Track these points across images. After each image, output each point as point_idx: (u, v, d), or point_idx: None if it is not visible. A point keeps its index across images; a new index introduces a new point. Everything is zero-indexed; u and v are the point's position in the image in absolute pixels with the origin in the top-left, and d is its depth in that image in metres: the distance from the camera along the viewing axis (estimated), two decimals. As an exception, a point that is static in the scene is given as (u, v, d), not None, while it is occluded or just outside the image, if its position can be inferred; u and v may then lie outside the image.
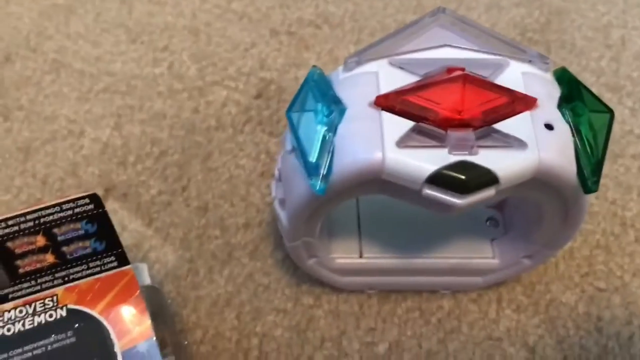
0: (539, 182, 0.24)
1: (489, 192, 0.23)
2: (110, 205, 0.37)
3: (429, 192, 0.23)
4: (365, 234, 0.33)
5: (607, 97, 0.42)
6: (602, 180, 0.36)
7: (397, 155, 0.23)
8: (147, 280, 0.30)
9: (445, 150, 0.23)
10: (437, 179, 0.23)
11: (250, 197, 0.37)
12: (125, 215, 0.36)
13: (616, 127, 0.40)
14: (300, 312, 0.33)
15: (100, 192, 0.37)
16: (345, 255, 0.32)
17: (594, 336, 0.33)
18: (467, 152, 0.23)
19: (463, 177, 0.23)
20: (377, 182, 0.24)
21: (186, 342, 0.31)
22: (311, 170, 0.24)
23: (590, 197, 0.36)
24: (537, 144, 0.23)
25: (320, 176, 0.24)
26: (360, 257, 0.32)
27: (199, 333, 0.33)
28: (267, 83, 0.40)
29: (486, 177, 0.23)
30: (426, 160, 0.23)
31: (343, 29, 0.43)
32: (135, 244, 0.35)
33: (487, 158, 0.23)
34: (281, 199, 0.28)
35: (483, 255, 0.32)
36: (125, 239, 0.35)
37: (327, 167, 0.24)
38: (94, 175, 0.37)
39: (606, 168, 0.38)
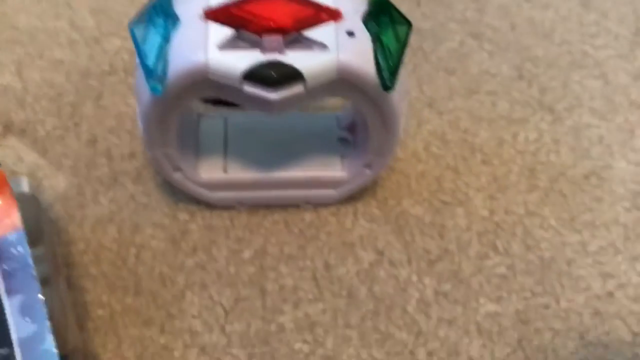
0: (343, 82, 0.28)
1: (298, 89, 0.28)
2: (9, 141, 0.40)
3: (248, 88, 0.28)
4: (230, 152, 0.37)
5: (469, 43, 0.46)
6: (456, 113, 0.41)
7: (218, 56, 0.27)
8: (25, 189, 0.34)
9: (259, 52, 0.27)
10: (252, 76, 0.27)
11: (136, 131, 0.41)
12: (23, 149, 0.40)
13: (474, 68, 0.45)
14: (176, 226, 0.37)
15: (-1, 129, 0.41)
16: (211, 171, 0.36)
17: (436, 240, 0.38)
18: (278, 53, 0.27)
19: (272, 72, 0.27)
20: (207, 82, 0.28)
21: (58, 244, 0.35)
22: (148, 73, 0.28)
23: (443, 127, 0.41)
24: (337, 47, 0.28)
25: (156, 78, 0.28)
26: (225, 172, 0.36)
27: (82, 245, 0.36)
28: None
29: (292, 73, 0.27)
30: (242, 60, 0.27)
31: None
32: (31, 173, 0.39)
33: (294, 58, 0.27)
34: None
35: (333, 169, 0.36)
36: (21, 168, 0.39)
37: (163, 71, 0.28)
38: (-6, 114, 0.41)
39: (461, 102, 0.43)
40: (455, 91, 0.44)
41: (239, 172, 0.36)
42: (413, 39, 0.44)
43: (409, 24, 0.29)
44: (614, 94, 0.44)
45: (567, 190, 0.40)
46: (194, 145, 0.36)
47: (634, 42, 0.47)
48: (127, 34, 0.43)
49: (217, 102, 0.37)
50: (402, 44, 0.29)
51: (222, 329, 0.34)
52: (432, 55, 0.46)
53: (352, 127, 0.38)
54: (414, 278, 0.36)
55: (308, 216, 0.38)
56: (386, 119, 0.31)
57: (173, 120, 0.31)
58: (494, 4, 0.49)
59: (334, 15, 0.28)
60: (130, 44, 0.43)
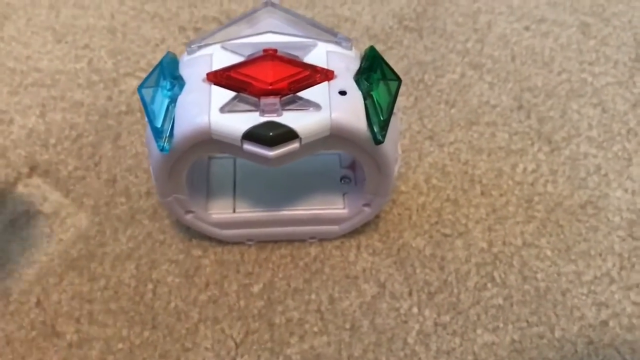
0: (337, 137, 0.30)
1: (293, 145, 0.30)
2: (35, 181, 0.43)
3: (247, 147, 0.30)
4: (238, 192, 0.39)
5: (470, 74, 0.48)
6: (456, 144, 0.43)
7: (219, 119, 0.30)
8: None
9: (257, 114, 0.30)
10: (251, 136, 0.29)
11: (153, 169, 0.43)
12: (47, 189, 0.43)
13: (474, 99, 0.47)
14: (190, 261, 0.40)
15: (25, 171, 0.43)
16: (221, 211, 0.38)
17: (436, 272, 0.40)
18: (275, 115, 0.30)
19: (270, 133, 0.29)
20: (210, 141, 0.31)
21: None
22: (157, 134, 0.30)
23: (444, 159, 0.43)
24: (330, 106, 0.30)
25: (164, 138, 0.30)
26: (234, 211, 0.39)
27: (103, 281, 0.39)
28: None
29: (288, 133, 0.29)
30: (242, 122, 0.29)
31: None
32: (55, 212, 0.42)
33: (290, 119, 0.29)
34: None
35: (336, 207, 0.39)
36: (47, 208, 0.42)
37: (170, 131, 0.30)
38: (20, 156, 0.44)
39: (461, 134, 0.45)
40: (456, 123, 0.46)
41: (247, 211, 0.38)
42: (415, 72, 0.46)
43: (399, 79, 0.31)
44: (612, 122, 0.46)
45: (563, 220, 0.41)
46: (204, 186, 0.39)
47: (633, 68, 0.48)
48: (143, 75, 0.46)
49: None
50: (393, 98, 0.31)
51: (233, 362, 0.37)
52: (433, 87, 0.47)
53: (353, 166, 0.40)
54: (415, 310, 0.38)
55: (313, 250, 0.40)
56: (380, 166, 0.33)
57: (181, 172, 0.33)
58: (495, 33, 0.50)
59: (327, 75, 0.30)
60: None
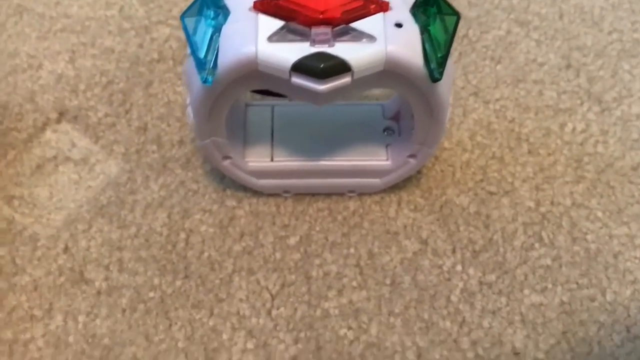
0: (391, 73, 0.29)
1: (345, 80, 0.28)
2: (63, 127, 0.42)
3: (296, 79, 0.28)
4: (277, 141, 0.37)
5: (516, 31, 0.46)
6: (502, 102, 0.41)
7: (267, 49, 0.28)
8: None
9: (307, 44, 0.28)
10: (300, 67, 0.28)
11: (185, 118, 0.41)
12: (76, 135, 0.41)
13: (521, 57, 0.45)
14: (224, 212, 0.38)
15: (54, 116, 0.42)
16: (258, 159, 0.37)
17: (481, 231, 0.38)
18: (326, 46, 0.28)
19: (320, 65, 0.27)
20: (256, 74, 0.29)
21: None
22: (200, 65, 0.29)
23: (489, 116, 0.41)
24: (385, 39, 0.28)
25: (207, 70, 0.29)
26: (272, 160, 0.37)
27: (134, 229, 0.38)
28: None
29: (340, 65, 0.27)
30: (291, 52, 0.28)
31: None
32: (83, 158, 0.40)
33: (342, 50, 0.28)
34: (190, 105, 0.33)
35: (378, 158, 0.37)
36: (75, 154, 0.40)
37: (213, 62, 0.29)
38: (49, 101, 0.42)
39: (507, 91, 0.43)
40: (502, 80, 0.44)
41: (285, 160, 0.37)
42: (459, 27, 0.44)
43: (457, 14, 0.29)
44: (666, 84, 0.43)
45: (614, 181, 0.39)
46: (241, 134, 0.37)
47: (688, 29, 0.46)
48: (176, 23, 0.44)
49: (265, 92, 0.38)
50: (450, 35, 0.29)
51: (269, 313, 0.35)
52: (477, 43, 0.45)
53: (397, 117, 0.38)
54: (459, 268, 0.36)
55: (352, 204, 0.39)
56: (433, 109, 0.31)
57: (222, 110, 0.32)
58: (543, -10, 0.48)
59: (382, 6, 0.29)
60: (178, 33, 0.44)
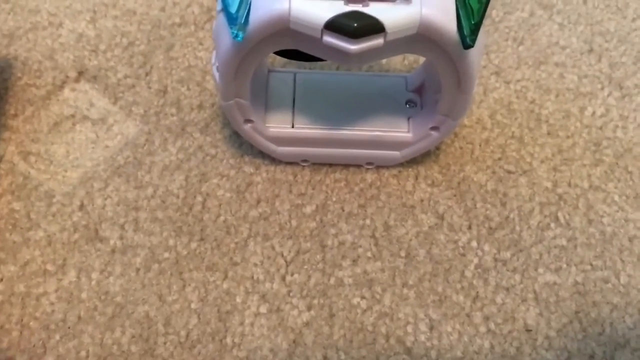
0: (423, 37, 0.28)
1: (377, 41, 0.28)
2: (82, 87, 0.41)
3: (328, 38, 0.28)
4: (298, 108, 0.37)
5: (539, 14, 0.46)
6: (523, 82, 0.41)
7: (300, 5, 0.27)
8: None
9: (342, 3, 0.28)
10: (333, 26, 0.27)
11: (205, 83, 0.41)
12: (94, 95, 0.41)
13: (543, 39, 0.45)
14: (241, 177, 0.38)
15: (73, 75, 0.42)
16: (279, 125, 0.37)
17: (498, 208, 0.38)
18: (360, 5, 0.28)
19: (354, 24, 0.27)
20: (287, 32, 0.28)
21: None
22: (231, 20, 0.28)
23: (510, 96, 0.41)
24: (420, 1, 0.28)
25: (238, 25, 0.28)
26: (292, 127, 0.37)
27: (150, 190, 0.37)
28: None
29: (374, 25, 0.27)
30: (324, 10, 0.27)
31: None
32: (101, 118, 0.40)
33: (376, 10, 0.27)
34: (217, 64, 0.32)
35: (399, 130, 0.37)
36: (93, 114, 0.40)
37: (245, 18, 0.28)
38: (68, 60, 0.42)
39: (528, 72, 0.43)
40: (523, 61, 0.44)
41: (305, 128, 0.36)
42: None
43: (491, -17, 0.29)
44: (688, 73, 0.43)
45: (633, 166, 0.39)
46: (263, 100, 0.37)
47: None
48: (199, -12, 0.43)
49: (288, 54, 0.38)
50: (485, 2, 0.28)
51: (283, 279, 0.35)
52: (500, 24, 0.45)
53: (420, 90, 0.38)
54: (474, 244, 0.36)
55: (369, 176, 0.38)
56: (462, 78, 0.31)
57: (249, 70, 0.31)
58: (567, -25, 0.48)
59: (418, -31, 0.28)
60: (202, -2, 0.43)
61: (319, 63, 0.40)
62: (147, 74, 0.42)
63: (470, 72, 0.31)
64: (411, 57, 0.43)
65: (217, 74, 0.32)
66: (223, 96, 0.33)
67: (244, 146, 0.39)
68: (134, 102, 0.41)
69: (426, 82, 0.37)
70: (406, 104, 0.37)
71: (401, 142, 0.36)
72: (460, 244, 0.36)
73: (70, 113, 0.40)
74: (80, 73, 0.42)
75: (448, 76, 0.31)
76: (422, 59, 0.41)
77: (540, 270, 0.36)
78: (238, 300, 0.34)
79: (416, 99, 0.38)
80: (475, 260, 0.36)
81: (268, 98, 0.37)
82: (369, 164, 0.38)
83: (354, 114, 0.37)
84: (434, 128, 0.35)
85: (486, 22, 0.45)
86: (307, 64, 0.40)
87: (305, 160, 0.38)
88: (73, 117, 0.40)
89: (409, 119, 0.37)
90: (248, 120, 0.35)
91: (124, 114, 0.40)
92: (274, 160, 0.38)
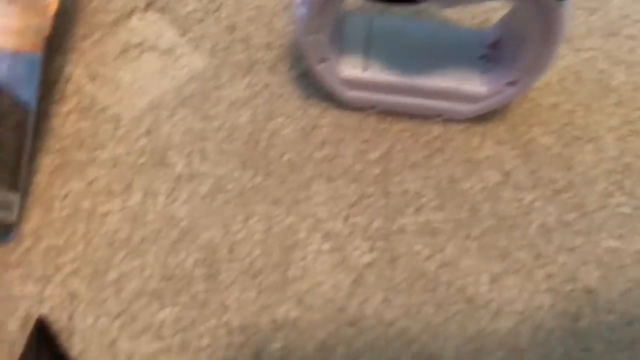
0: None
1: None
2: (150, 17, 0.41)
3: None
4: (372, 53, 0.37)
5: (612, -14, 0.45)
6: (593, 52, 0.40)
7: None
8: None
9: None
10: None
11: (274, 24, 0.41)
12: (163, 26, 0.41)
13: (615, 11, 0.44)
14: (307, 119, 0.38)
15: (142, 5, 0.41)
16: (352, 68, 0.36)
17: (563, 171, 0.37)
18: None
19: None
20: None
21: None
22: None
23: (579, 64, 0.40)
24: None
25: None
26: (365, 71, 0.36)
27: (217, 122, 0.37)
28: None
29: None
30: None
31: None
32: (169, 49, 0.40)
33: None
34: None
35: (474, 83, 0.36)
36: (161, 44, 0.40)
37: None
38: (138, -11, 0.42)
39: (599, 42, 0.42)
40: (594, 31, 0.43)
41: (378, 73, 0.36)
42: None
43: None
44: None
45: (701, 143, 0.39)
46: (338, 42, 0.36)
47: None
48: None
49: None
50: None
51: (346, 220, 0.35)
52: (574, -8, 0.44)
53: (496, 46, 0.37)
54: (538, 204, 0.36)
55: (436, 129, 0.38)
56: (551, 30, 0.31)
57: (333, 5, 0.31)
58: (643, -50, 0.47)
59: None
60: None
61: (397, 9, 0.40)
62: (216, 10, 0.41)
63: (561, 24, 0.30)
64: (480, 18, 0.43)
65: (302, 8, 0.32)
66: (306, 29, 0.33)
67: (311, 89, 0.39)
68: (202, 36, 0.40)
69: (504, 38, 0.36)
70: (481, 58, 0.37)
71: (474, 95, 0.36)
72: (524, 202, 0.36)
73: (137, 41, 0.40)
74: (149, 4, 0.41)
75: (537, 27, 0.31)
76: (492, 21, 0.41)
77: (603, 234, 0.35)
78: (301, 236, 0.34)
79: (492, 54, 0.37)
80: (539, 220, 0.36)
81: (344, 41, 0.37)
82: (438, 116, 0.38)
83: (427, 63, 0.37)
84: (510, 84, 0.35)
85: (559, -11, 0.44)
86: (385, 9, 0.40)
87: (372, 107, 0.38)
88: (141, 45, 0.40)
89: (483, 73, 0.36)
90: (323, 60, 0.35)
91: (192, 46, 0.40)
92: (339, 105, 0.38)
